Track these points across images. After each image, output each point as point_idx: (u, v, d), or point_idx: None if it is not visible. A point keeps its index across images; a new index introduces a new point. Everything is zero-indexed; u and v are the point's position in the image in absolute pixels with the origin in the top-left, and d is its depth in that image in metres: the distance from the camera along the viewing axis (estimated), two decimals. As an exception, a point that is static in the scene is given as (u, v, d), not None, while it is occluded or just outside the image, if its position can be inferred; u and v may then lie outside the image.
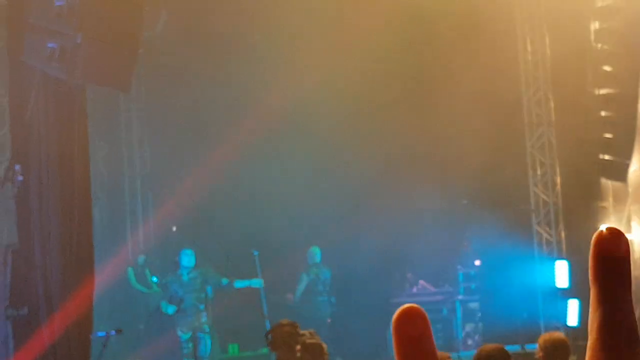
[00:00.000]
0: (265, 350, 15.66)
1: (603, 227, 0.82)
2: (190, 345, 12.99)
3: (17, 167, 10.88)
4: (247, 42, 17.17)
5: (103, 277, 13.33)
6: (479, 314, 16.52)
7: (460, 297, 16.64)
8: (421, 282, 17.41)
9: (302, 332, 7.93)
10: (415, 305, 0.77)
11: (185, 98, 17.06)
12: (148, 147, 18.06)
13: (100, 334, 10.97)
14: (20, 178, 10.85)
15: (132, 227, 17.77)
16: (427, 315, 0.77)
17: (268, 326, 12.51)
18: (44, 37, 10.38)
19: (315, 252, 15.71)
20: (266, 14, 16.44)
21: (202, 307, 13.27)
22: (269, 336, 7.92)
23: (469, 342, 16.38)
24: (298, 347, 7.64)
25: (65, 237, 10.87)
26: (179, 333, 13.17)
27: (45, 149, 10.81)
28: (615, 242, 0.81)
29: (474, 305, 16.65)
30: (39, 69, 10.64)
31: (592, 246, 0.81)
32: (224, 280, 13.52)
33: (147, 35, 14.51)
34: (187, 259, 13.38)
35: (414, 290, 17.33)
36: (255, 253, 14.28)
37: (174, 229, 16.40)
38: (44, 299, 10.74)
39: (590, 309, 0.81)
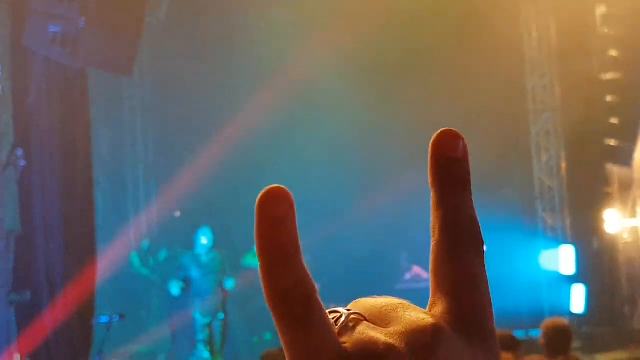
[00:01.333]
0: (268, 334, 15.70)
1: (441, 129, 0.81)
2: (207, 330, 12.46)
3: (20, 152, 10.85)
4: (253, 26, 17.13)
5: (105, 262, 13.30)
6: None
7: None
8: (415, 267, 17.37)
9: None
10: (281, 186, 0.73)
11: (189, 83, 17.02)
12: (151, 133, 18.03)
13: (103, 319, 10.94)
14: (23, 163, 10.83)
15: (134, 213, 17.76)
16: (293, 197, 0.73)
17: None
18: (46, 21, 10.34)
19: None
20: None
21: (220, 290, 12.78)
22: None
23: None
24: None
25: (68, 222, 10.85)
26: (197, 317, 12.53)
27: (47, 134, 10.79)
28: (452, 144, 0.79)
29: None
30: (41, 53, 10.60)
31: (430, 149, 0.79)
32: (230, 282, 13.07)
33: (151, 20, 14.47)
34: (207, 237, 12.73)
35: (407, 277, 17.28)
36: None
37: (178, 214, 16.37)
38: (47, 284, 10.73)
39: (431, 211, 0.79)
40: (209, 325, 12.36)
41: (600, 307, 15.27)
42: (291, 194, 0.72)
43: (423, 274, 17.22)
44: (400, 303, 0.76)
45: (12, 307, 10.84)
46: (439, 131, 0.79)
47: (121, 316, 10.95)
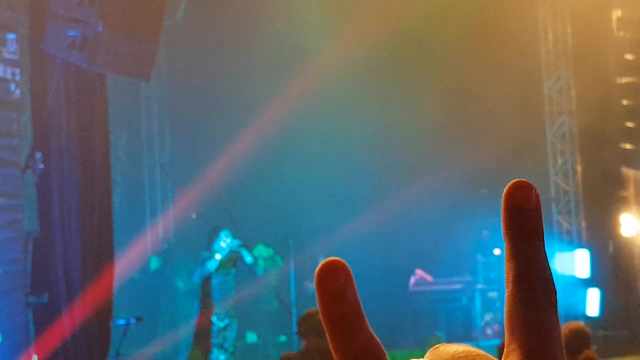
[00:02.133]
0: (283, 338, 15.72)
1: (513, 180, 0.83)
2: (222, 334, 12.38)
3: (38, 155, 10.91)
4: (270, 27, 17.17)
5: (123, 264, 13.35)
6: (498, 303, 16.50)
7: (479, 286, 16.63)
8: (418, 271, 17.39)
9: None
10: (338, 258, 0.77)
11: (206, 85, 17.07)
12: (168, 135, 18.10)
13: (121, 321, 11.00)
14: (41, 166, 10.88)
15: (151, 215, 17.82)
16: (349, 268, 0.77)
17: (295, 314, 12.41)
18: (65, 26, 10.39)
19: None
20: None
21: (234, 292, 12.73)
22: (300, 324, 7.92)
23: (488, 331, 16.37)
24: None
25: (86, 224, 10.89)
26: (215, 320, 12.48)
27: (65, 137, 10.83)
28: (524, 194, 0.82)
29: (493, 294, 16.62)
30: (60, 57, 10.65)
31: (503, 199, 0.82)
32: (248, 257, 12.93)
33: (167, 23, 14.52)
34: (227, 240, 12.72)
35: (412, 280, 17.33)
36: (288, 241, 14.20)
37: (194, 216, 16.42)
38: (65, 286, 10.77)
39: (505, 261, 0.82)
40: (225, 328, 12.36)
41: (616, 310, 15.27)
42: (347, 264, 0.76)
43: (427, 276, 17.28)
44: (478, 354, 0.80)
45: (30, 309, 10.89)
46: (511, 182, 0.82)
47: (138, 319, 11.00)
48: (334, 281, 0.75)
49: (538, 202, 0.81)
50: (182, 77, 17.33)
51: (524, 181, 0.82)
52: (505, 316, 0.81)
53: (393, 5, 15.69)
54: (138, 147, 17.53)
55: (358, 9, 15.92)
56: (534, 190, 0.82)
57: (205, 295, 12.46)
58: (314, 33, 16.56)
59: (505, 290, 0.81)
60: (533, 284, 0.79)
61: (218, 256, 12.27)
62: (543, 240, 0.81)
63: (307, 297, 15.96)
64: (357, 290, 0.77)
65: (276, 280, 15.23)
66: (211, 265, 12.31)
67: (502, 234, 0.82)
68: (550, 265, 0.81)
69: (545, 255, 0.81)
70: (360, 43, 15.73)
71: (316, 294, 0.75)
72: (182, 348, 15.52)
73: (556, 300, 0.81)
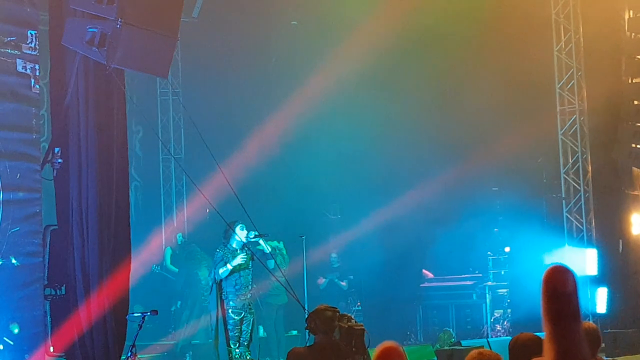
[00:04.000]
0: (294, 332, 15.84)
1: (551, 264, 0.91)
2: (239, 327, 12.39)
3: (57, 149, 11.04)
4: (286, 24, 17.26)
5: (138, 258, 13.46)
6: (508, 300, 16.59)
7: (489, 283, 16.72)
8: (423, 271, 17.51)
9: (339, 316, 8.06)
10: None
11: (222, 82, 17.18)
12: (183, 131, 18.24)
13: (136, 314, 11.11)
14: (60, 160, 11.02)
15: (166, 209, 17.96)
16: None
17: (307, 310, 12.48)
18: (84, 22, 10.52)
19: None
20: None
21: (250, 287, 12.72)
22: (310, 320, 8.01)
23: (498, 327, 16.46)
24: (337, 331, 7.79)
25: (103, 218, 11.01)
26: (232, 314, 12.41)
27: (84, 132, 10.95)
28: (562, 279, 0.90)
29: (503, 291, 16.71)
30: (79, 53, 10.77)
31: (542, 283, 0.90)
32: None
33: (184, 19, 14.62)
34: (244, 233, 12.59)
35: (427, 274, 17.48)
36: (302, 237, 14.29)
37: (208, 211, 16.55)
38: (82, 279, 10.88)
39: (544, 342, 0.90)
40: (241, 321, 12.43)
41: (625, 308, 15.35)
42: (402, 351, 0.87)
43: (430, 275, 17.40)
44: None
45: (47, 302, 11.01)
46: (550, 267, 0.92)
47: (153, 312, 11.11)
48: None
49: (575, 286, 0.91)
50: (197, 73, 17.45)
51: (561, 266, 0.92)
52: None
53: (407, 3, 15.77)
54: (154, 142, 17.65)
55: (374, 10, 16.00)
56: (571, 274, 0.91)
57: (221, 290, 12.53)
58: (330, 31, 16.65)
59: None
60: None
61: (230, 266, 12.35)
62: (580, 322, 0.91)
63: (318, 292, 16.10)
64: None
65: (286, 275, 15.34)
66: (224, 274, 12.41)
67: (542, 315, 0.91)
68: (586, 344, 0.91)
69: (583, 336, 0.90)
70: (373, 43, 15.82)
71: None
72: (197, 340, 15.67)
73: None
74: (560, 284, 0.88)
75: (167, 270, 16.77)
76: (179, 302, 16.50)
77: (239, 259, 12.35)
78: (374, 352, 0.89)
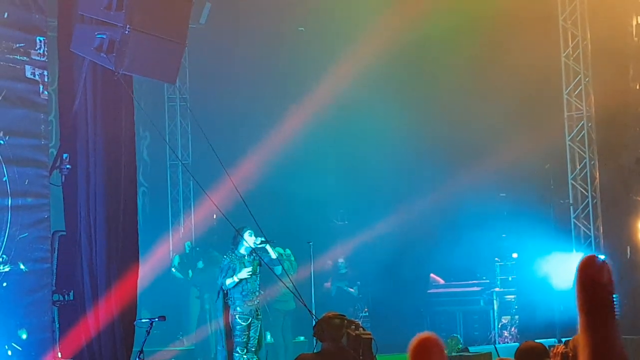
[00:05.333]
0: (302, 338, 15.83)
1: (586, 255, 0.92)
2: (246, 333, 12.36)
3: (65, 155, 11.07)
4: (292, 30, 17.26)
5: (146, 264, 13.46)
6: (516, 307, 16.54)
7: (497, 289, 16.68)
8: (432, 275, 17.50)
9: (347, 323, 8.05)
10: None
11: (229, 87, 17.18)
12: (190, 136, 18.24)
13: (144, 320, 11.11)
14: (68, 166, 11.04)
15: (173, 215, 17.96)
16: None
17: (315, 316, 12.46)
18: (93, 28, 10.55)
19: None
20: (312, 2, 16.53)
21: (257, 293, 12.69)
22: (318, 327, 7.99)
23: (505, 334, 16.42)
24: (345, 338, 7.78)
25: (111, 224, 11.03)
26: (239, 320, 12.37)
27: (92, 138, 10.98)
28: (597, 269, 0.91)
29: (510, 297, 16.67)
30: (88, 59, 10.80)
31: (578, 272, 0.90)
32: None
33: (191, 25, 14.64)
34: (252, 239, 12.52)
35: (436, 279, 17.45)
36: (309, 243, 14.29)
37: (215, 217, 16.56)
38: (90, 285, 10.91)
39: (580, 333, 0.89)
40: (248, 327, 12.41)
41: (633, 315, 15.30)
42: (441, 342, 0.87)
43: (439, 279, 17.37)
44: None
45: (55, 307, 11.02)
46: (585, 257, 0.91)
47: (161, 317, 11.10)
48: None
49: (610, 278, 0.91)
50: (205, 79, 17.46)
51: (596, 256, 0.91)
52: None
53: (416, 10, 15.77)
54: (161, 147, 17.66)
55: (383, 13, 16.01)
56: (606, 265, 0.91)
57: (227, 296, 12.51)
58: (337, 37, 16.66)
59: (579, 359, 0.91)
60: (607, 358, 0.88)
61: (236, 278, 12.34)
62: (614, 313, 0.89)
63: (326, 298, 16.08)
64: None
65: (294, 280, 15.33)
66: (230, 284, 12.40)
67: (577, 307, 0.90)
68: (623, 341, 0.89)
69: (617, 328, 0.89)
70: (379, 50, 15.83)
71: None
72: (204, 347, 15.68)
73: None
74: (596, 274, 0.89)
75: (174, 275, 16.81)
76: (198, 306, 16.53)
77: (244, 273, 12.34)
78: (409, 345, 0.91)
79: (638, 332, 15.03)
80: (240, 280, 12.34)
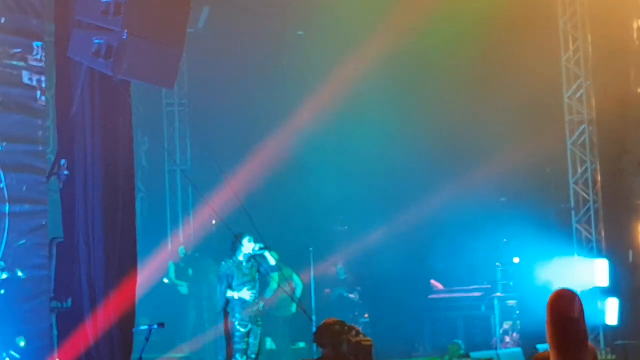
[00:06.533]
0: (302, 344, 15.78)
1: (557, 289, 0.89)
2: (246, 340, 12.34)
3: (63, 162, 11.00)
4: (291, 34, 17.22)
5: (144, 270, 13.39)
6: (517, 312, 16.48)
7: (498, 294, 16.62)
8: (432, 281, 17.44)
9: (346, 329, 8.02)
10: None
11: (228, 92, 17.13)
12: (189, 142, 18.17)
13: (143, 327, 11.04)
14: (66, 172, 10.97)
15: (172, 221, 17.89)
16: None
17: (314, 321, 12.43)
18: (90, 34, 10.47)
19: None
20: (311, 6, 16.49)
21: (258, 299, 12.66)
22: (318, 334, 7.97)
23: (507, 339, 16.36)
24: (345, 345, 7.74)
25: (110, 231, 10.96)
26: (239, 327, 12.40)
27: (90, 144, 10.91)
28: (568, 304, 0.87)
29: (512, 302, 16.61)
30: (85, 64, 10.73)
31: (548, 308, 0.87)
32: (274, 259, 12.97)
33: (189, 30, 14.59)
34: (252, 246, 12.55)
35: (437, 285, 17.39)
36: (310, 249, 14.25)
37: (214, 222, 16.49)
38: (88, 292, 10.84)
39: None
40: (248, 334, 12.36)
41: (635, 320, 15.26)
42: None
43: (439, 285, 17.32)
44: None
45: (53, 314, 10.95)
46: (555, 292, 0.87)
47: (160, 325, 11.03)
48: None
49: (581, 312, 0.87)
50: (203, 84, 17.40)
51: (568, 291, 0.88)
52: None
53: (416, 15, 15.73)
54: (160, 153, 17.59)
55: (384, 15, 15.97)
56: (577, 299, 0.87)
57: (227, 303, 12.48)
58: (336, 42, 16.61)
59: None
60: None
61: (237, 295, 12.32)
62: (585, 347, 0.87)
63: (326, 304, 16.02)
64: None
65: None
66: (230, 297, 12.37)
67: (547, 340, 0.87)
68: None
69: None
70: (379, 54, 15.79)
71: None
72: (202, 354, 15.60)
73: None
74: (566, 309, 0.83)
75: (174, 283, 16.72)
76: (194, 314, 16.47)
77: (245, 293, 12.31)
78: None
79: (640, 337, 14.99)
80: (242, 281, 12.30)
